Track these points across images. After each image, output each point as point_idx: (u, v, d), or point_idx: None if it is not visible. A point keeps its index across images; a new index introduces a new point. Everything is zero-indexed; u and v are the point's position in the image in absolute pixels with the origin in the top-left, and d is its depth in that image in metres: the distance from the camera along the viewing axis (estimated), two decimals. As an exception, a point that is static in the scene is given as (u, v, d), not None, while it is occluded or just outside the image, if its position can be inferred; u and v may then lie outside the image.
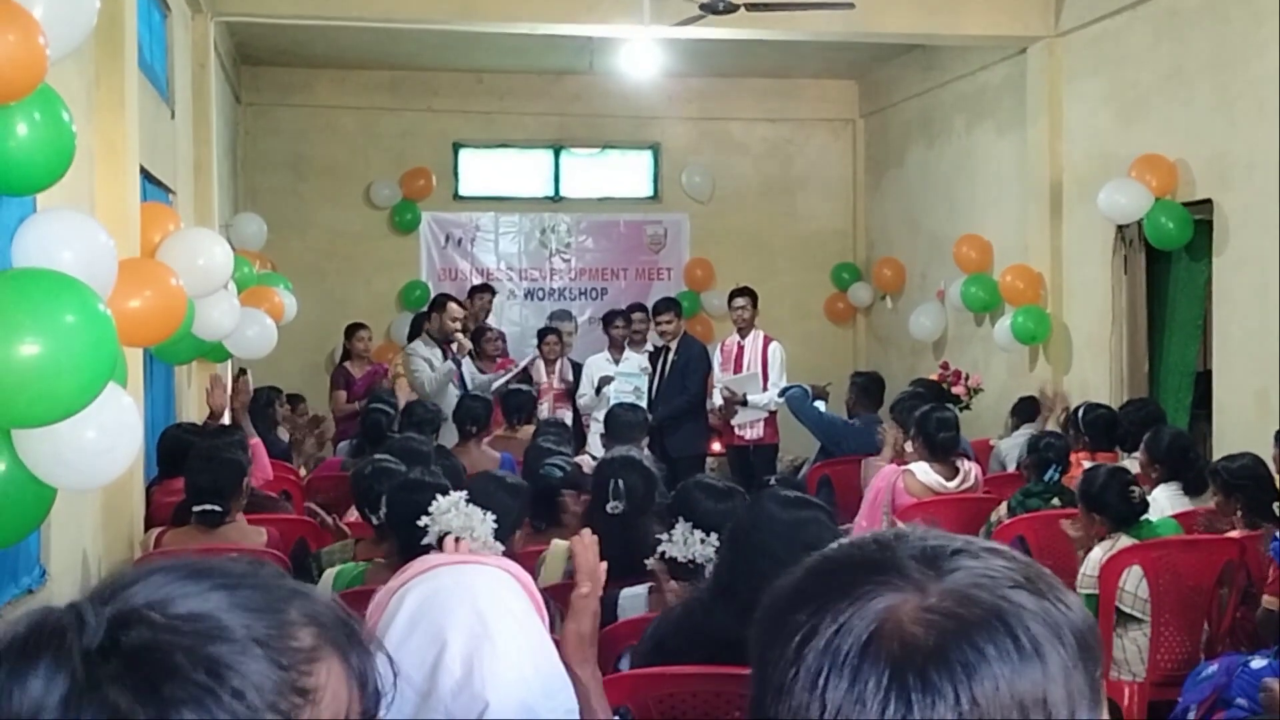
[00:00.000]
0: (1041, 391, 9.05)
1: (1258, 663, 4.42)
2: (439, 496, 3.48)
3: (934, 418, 6.73)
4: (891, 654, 0.98)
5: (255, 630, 1.03)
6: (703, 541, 3.91)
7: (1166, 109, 8.61)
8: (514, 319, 13.43)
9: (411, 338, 10.50)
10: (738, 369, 9.65)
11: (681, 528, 3.97)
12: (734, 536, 3.51)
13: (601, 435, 7.59)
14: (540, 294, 13.70)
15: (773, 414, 9.60)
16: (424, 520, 3.47)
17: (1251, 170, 7.73)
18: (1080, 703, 1.00)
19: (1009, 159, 10.82)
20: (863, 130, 14.19)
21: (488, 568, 2.72)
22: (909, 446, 7.02)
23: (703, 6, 8.23)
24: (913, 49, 12.23)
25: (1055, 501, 6.23)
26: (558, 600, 4.31)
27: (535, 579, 4.66)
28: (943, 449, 6.68)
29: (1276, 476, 5.65)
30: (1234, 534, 5.47)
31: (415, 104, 13.32)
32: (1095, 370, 9.38)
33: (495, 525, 3.41)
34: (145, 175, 6.55)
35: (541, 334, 10.86)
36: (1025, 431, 8.30)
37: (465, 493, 3.49)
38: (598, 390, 9.84)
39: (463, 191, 13.69)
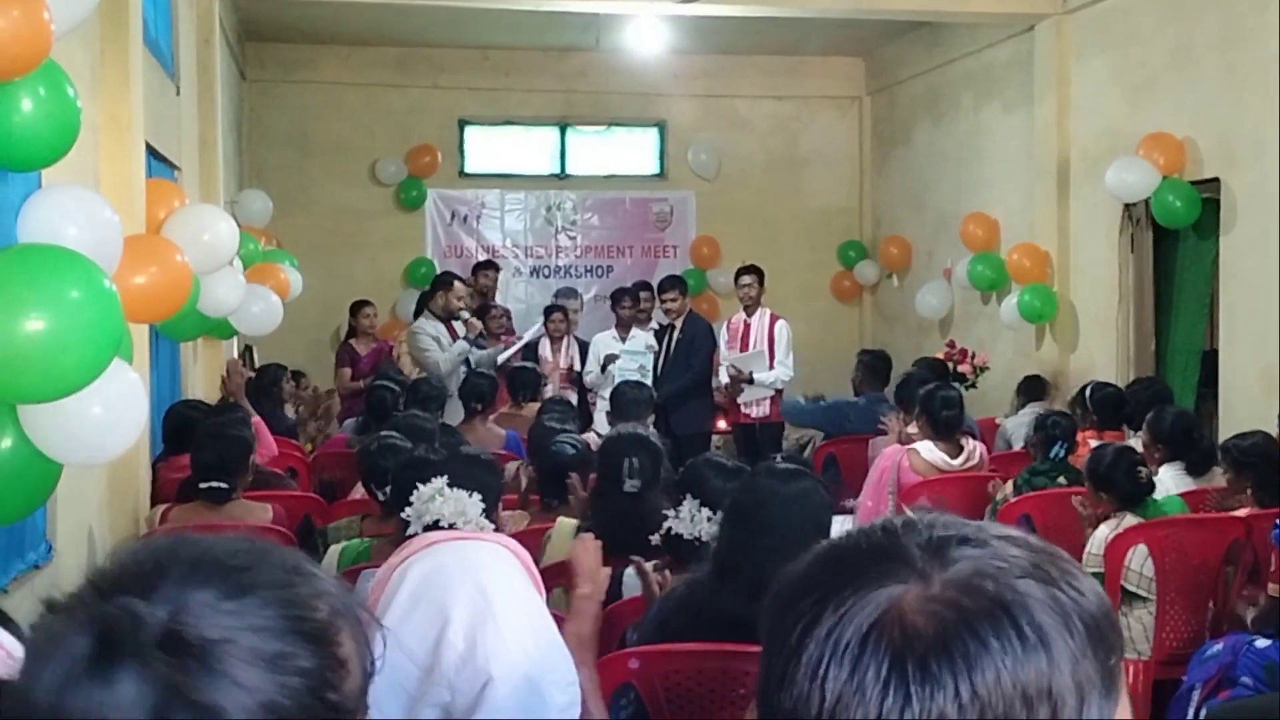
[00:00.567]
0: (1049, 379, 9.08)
1: (1262, 642, 4.42)
2: (419, 485, 3.47)
3: (938, 396, 6.72)
4: (892, 644, 0.97)
5: (289, 611, 1.07)
6: (709, 519, 3.90)
7: (1174, 87, 8.58)
8: (519, 296, 13.41)
9: (417, 315, 10.50)
10: (744, 347, 9.63)
11: (689, 504, 3.96)
12: (733, 513, 3.50)
13: (608, 413, 7.58)
14: (546, 271, 13.69)
15: (779, 392, 9.59)
16: (407, 512, 3.46)
17: (1259, 149, 7.71)
18: (1091, 693, 0.99)
19: (1016, 137, 10.79)
20: (869, 108, 14.15)
21: (488, 544, 2.72)
22: (913, 427, 7.02)
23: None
24: (920, 26, 12.18)
25: (1061, 480, 6.23)
26: (565, 579, 4.31)
27: (541, 556, 4.69)
28: (947, 427, 6.68)
29: (1283, 455, 5.65)
30: (1243, 512, 5.47)
31: (421, 81, 13.30)
32: (1102, 349, 9.36)
33: (482, 505, 3.41)
34: (150, 151, 6.54)
35: (547, 312, 10.85)
36: (1031, 410, 8.31)
37: (445, 478, 3.48)
38: (603, 368, 9.83)
39: (468, 168, 13.67)
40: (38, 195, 3.90)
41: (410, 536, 3.33)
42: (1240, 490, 5.61)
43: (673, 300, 9.93)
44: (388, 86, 13.25)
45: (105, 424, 3.71)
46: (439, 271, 12.62)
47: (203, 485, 5.25)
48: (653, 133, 14.03)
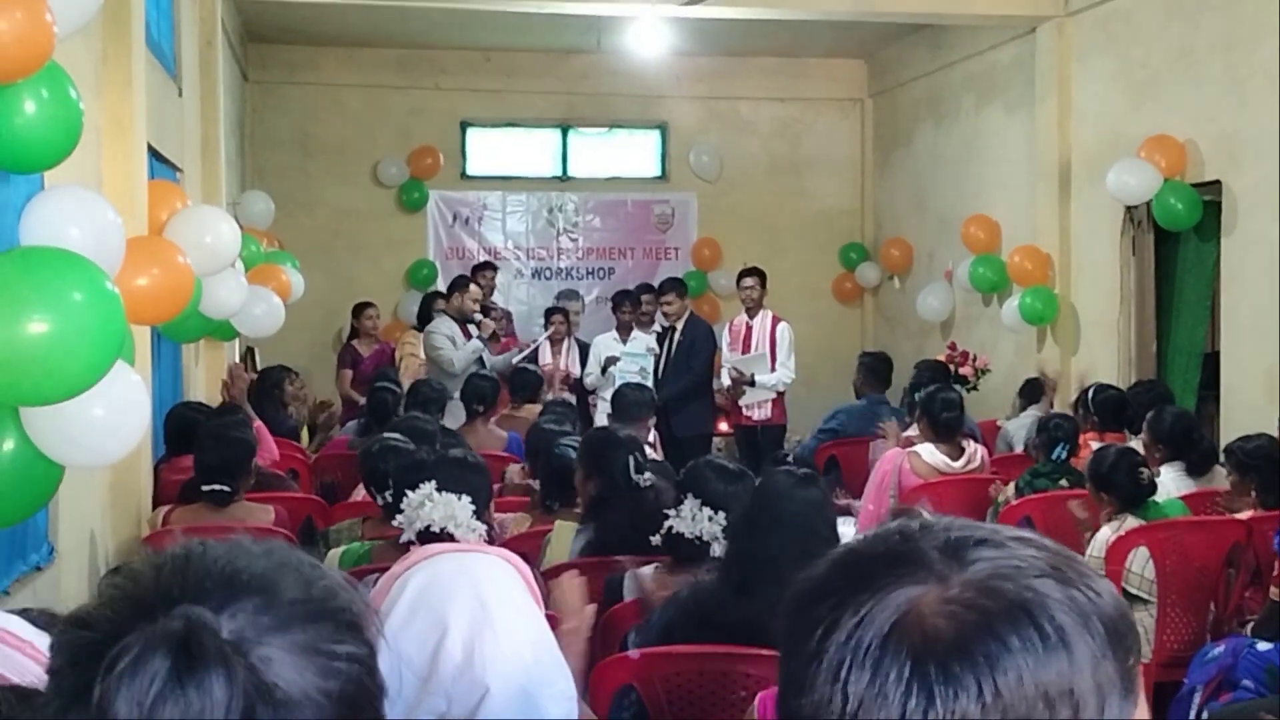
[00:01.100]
0: (1041, 372, 9.07)
1: (1263, 645, 4.42)
2: (409, 492, 3.47)
3: (938, 398, 6.72)
4: (913, 646, 0.97)
5: (325, 604, 1.11)
6: (710, 519, 3.89)
7: (1176, 89, 8.58)
8: (521, 298, 13.41)
9: (420, 316, 10.51)
10: (746, 349, 9.63)
11: (690, 503, 3.95)
12: (746, 519, 3.50)
13: (609, 415, 7.59)
14: (547, 273, 13.68)
15: (780, 394, 9.59)
16: (399, 519, 3.47)
17: (1261, 151, 7.71)
18: (1111, 693, 0.99)
19: (1018, 139, 10.79)
20: (871, 110, 14.15)
21: (489, 556, 2.72)
22: (914, 429, 7.02)
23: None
24: (921, 28, 12.18)
25: (1063, 482, 6.23)
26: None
27: (542, 559, 4.69)
28: (947, 429, 6.68)
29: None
30: (1245, 515, 5.47)
31: (423, 82, 13.30)
32: (1103, 351, 9.36)
33: (473, 507, 3.41)
34: (153, 153, 6.55)
35: (548, 314, 10.86)
36: (1032, 412, 8.31)
37: (434, 482, 3.48)
38: (603, 370, 9.83)
39: (470, 170, 13.67)
40: (40, 197, 3.90)
41: (410, 544, 3.34)
42: (1244, 493, 5.62)
43: (668, 303, 9.93)
44: (390, 88, 13.24)
45: (107, 426, 3.71)
46: (439, 273, 12.69)
47: (205, 487, 5.26)
48: (654, 135, 14.03)
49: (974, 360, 10.34)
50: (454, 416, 7.83)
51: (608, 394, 8.40)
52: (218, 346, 8.68)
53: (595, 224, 13.81)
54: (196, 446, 5.48)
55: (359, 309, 11.07)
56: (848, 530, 6.92)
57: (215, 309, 6.32)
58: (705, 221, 13.85)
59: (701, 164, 13.84)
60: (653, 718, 3.51)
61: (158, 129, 6.73)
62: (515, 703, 2.45)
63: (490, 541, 3.57)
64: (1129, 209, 8.96)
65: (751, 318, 9.75)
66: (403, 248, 13.22)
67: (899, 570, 1.02)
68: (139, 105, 5.96)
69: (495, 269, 11.83)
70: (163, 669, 0.99)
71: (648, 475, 4.64)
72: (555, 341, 10.41)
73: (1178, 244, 8.94)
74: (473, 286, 9.86)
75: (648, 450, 5.66)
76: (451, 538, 3.27)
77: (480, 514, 3.40)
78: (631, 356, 9.83)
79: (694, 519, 3.92)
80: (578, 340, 10.69)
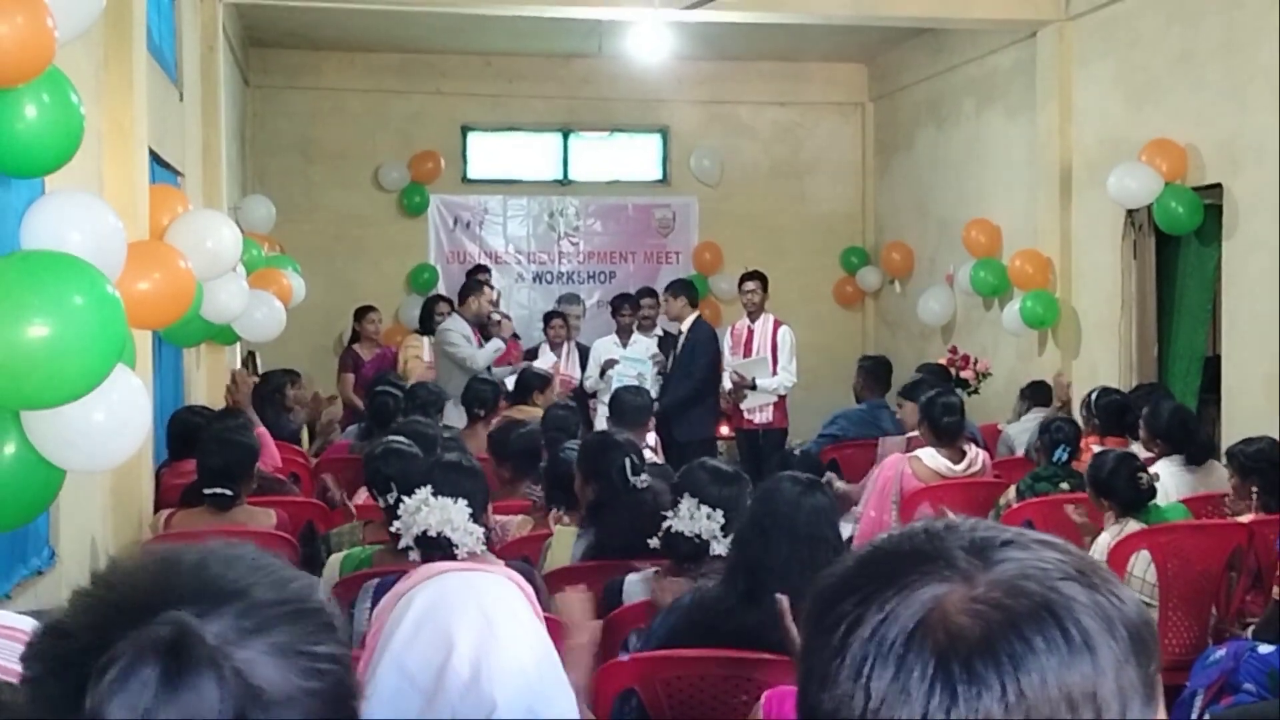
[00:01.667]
0: (1056, 378, 9.09)
1: (1265, 648, 4.41)
2: (405, 499, 3.47)
3: (938, 403, 6.72)
4: (937, 644, 0.96)
5: (301, 605, 1.12)
6: (709, 518, 3.89)
7: (1177, 93, 8.58)
8: (522, 302, 13.41)
9: (422, 320, 10.50)
10: (747, 353, 9.64)
11: (688, 503, 3.95)
12: (754, 526, 3.50)
13: (608, 419, 7.58)
14: (549, 277, 13.68)
15: (782, 398, 9.59)
16: (396, 525, 3.47)
17: (1262, 155, 7.71)
18: (1133, 698, 0.98)
19: (1019, 143, 10.79)
20: (872, 114, 14.15)
21: (494, 575, 2.73)
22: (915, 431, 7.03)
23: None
24: (922, 32, 12.19)
25: (1064, 486, 6.23)
26: (568, 583, 4.32)
27: (542, 563, 4.68)
28: (948, 434, 6.68)
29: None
30: (1246, 518, 5.47)
31: (424, 87, 13.30)
32: (1104, 355, 9.36)
33: (469, 510, 3.41)
34: (154, 157, 6.55)
35: (548, 317, 10.85)
36: (1034, 416, 8.31)
37: (430, 486, 3.48)
38: (602, 373, 9.83)
39: (471, 174, 13.67)
40: (41, 201, 3.90)
41: (409, 552, 3.33)
42: (1245, 495, 5.62)
43: (673, 306, 9.91)
44: (391, 92, 13.25)
45: (108, 430, 3.71)
46: (440, 277, 12.69)
47: (207, 491, 5.26)
48: (655, 139, 14.04)
49: (975, 364, 10.34)
50: (455, 419, 7.84)
51: (607, 398, 8.40)
52: (219, 351, 8.69)
53: (596, 228, 13.81)
54: (199, 450, 5.49)
55: (361, 313, 11.07)
56: (846, 529, 6.94)
57: (216, 313, 6.32)
58: (706, 225, 13.85)
59: (702, 168, 13.84)
60: (654, 721, 3.51)
61: (159, 133, 6.74)
62: (522, 718, 2.45)
63: (489, 544, 3.57)
64: (1130, 213, 8.96)
65: (753, 321, 9.75)
66: (404, 252, 13.23)
67: (924, 568, 1.02)
68: (140, 110, 5.96)
69: (489, 272, 11.85)
70: (154, 675, 0.99)
71: (644, 477, 4.64)
72: (555, 345, 10.40)
73: (1179, 248, 8.93)
74: (486, 288, 9.86)
75: (647, 455, 5.65)
76: (449, 542, 3.27)
77: (477, 517, 3.40)
78: (631, 361, 9.83)
79: (692, 518, 3.91)
80: (578, 344, 10.68)
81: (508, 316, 11.22)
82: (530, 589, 2.71)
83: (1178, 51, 8.55)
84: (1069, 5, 9.73)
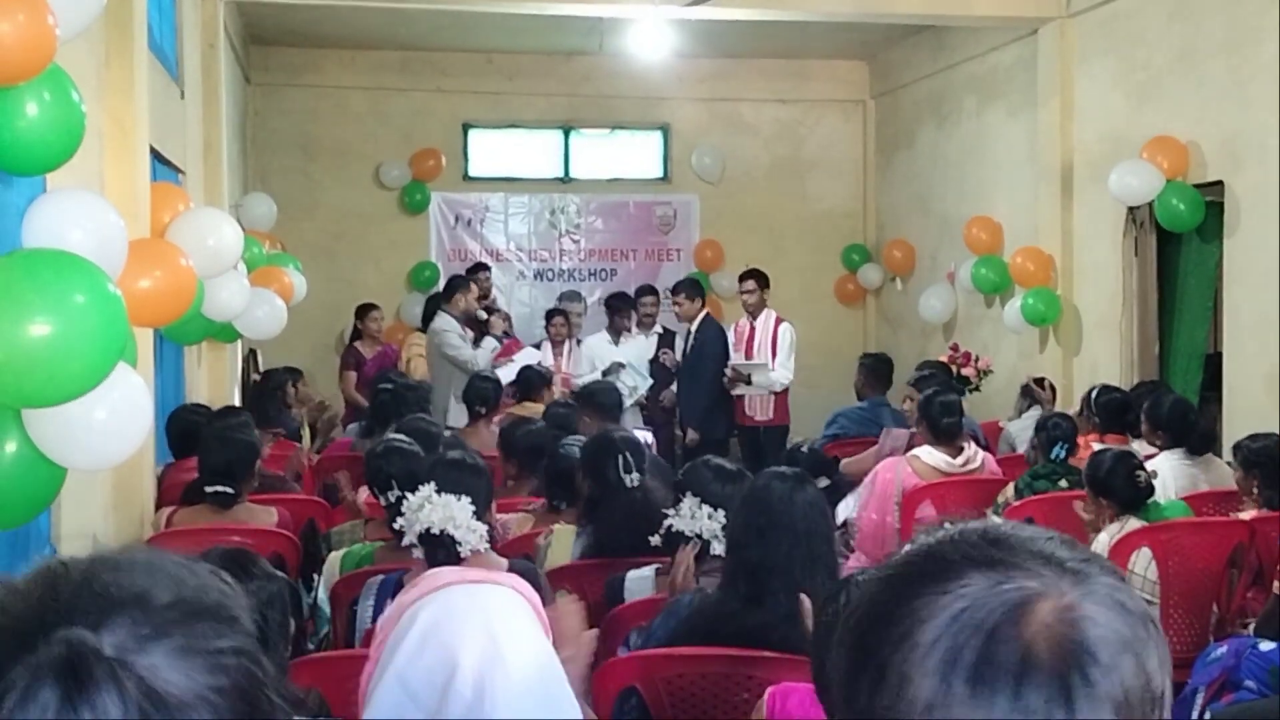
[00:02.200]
0: (1032, 380, 9.01)
1: (1266, 645, 4.41)
2: (408, 496, 3.47)
3: (937, 402, 6.69)
4: (1039, 655, 1.00)
5: (200, 599, 1.09)
6: (710, 516, 3.89)
7: (1178, 90, 8.58)
8: (523, 300, 13.42)
9: (425, 318, 10.49)
10: (749, 351, 9.66)
11: (689, 501, 3.95)
12: (749, 527, 3.49)
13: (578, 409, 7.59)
14: (549, 275, 13.68)
15: (783, 396, 9.60)
16: (400, 522, 3.46)
17: (1263, 152, 7.70)
18: (1165, 673, 1.07)
19: (1020, 140, 10.79)
20: (873, 111, 14.14)
21: (500, 588, 2.72)
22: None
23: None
24: (924, 30, 12.18)
25: (1063, 483, 6.22)
26: (568, 584, 4.32)
27: (541, 562, 4.68)
28: (947, 434, 6.65)
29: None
30: (1248, 515, 5.47)
31: (425, 84, 13.30)
32: (1105, 352, 9.36)
33: (473, 508, 3.41)
34: (155, 155, 6.55)
35: (549, 315, 10.85)
36: (1035, 413, 8.29)
37: (434, 484, 3.48)
38: (604, 375, 9.82)
39: (472, 172, 13.67)
40: (42, 199, 3.91)
41: (413, 550, 3.32)
42: (1247, 490, 5.63)
43: (676, 305, 9.95)
44: (392, 90, 13.25)
45: (110, 428, 3.71)
46: (441, 275, 12.67)
47: (209, 489, 5.26)
48: (656, 136, 14.03)
49: (976, 361, 10.33)
50: (457, 417, 7.84)
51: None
52: (220, 349, 8.69)
53: (597, 225, 13.81)
54: (201, 448, 5.48)
55: (363, 311, 11.07)
56: (850, 504, 6.93)
57: (217, 311, 6.32)
58: (707, 223, 13.85)
59: (703, 165, 13.84)
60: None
61: (160, 131, 6.73)
62: None
63: (491, 542, 3.57)
64: (1131, 210, 8.96)
65: (754, 319, 9.77)
66: (405, 249, 13.23)
67: (1021, 572, 1.05)
68: (141, 108, 5.97)
69: (489, 270, 11.86)
70: (53, 698, 0.97)
71: (634, 475, 4.63)
72: (556, 343, 10.40)
73: (1180, 245, 8.93)
74: (474, 285, 9.88)
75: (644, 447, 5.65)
76: (453, 539, 3.27)
77: (480, 515, 3.39)
78: (633, 371, 9.84)
79: (693, 517, 3.91)
80: (579, 342, 10.69)
81: (508, 316, 11.25)
82: (536, 597, 2.70)
83: (1179, 49, 8.54)
84: (1070, 2, 9.73)
